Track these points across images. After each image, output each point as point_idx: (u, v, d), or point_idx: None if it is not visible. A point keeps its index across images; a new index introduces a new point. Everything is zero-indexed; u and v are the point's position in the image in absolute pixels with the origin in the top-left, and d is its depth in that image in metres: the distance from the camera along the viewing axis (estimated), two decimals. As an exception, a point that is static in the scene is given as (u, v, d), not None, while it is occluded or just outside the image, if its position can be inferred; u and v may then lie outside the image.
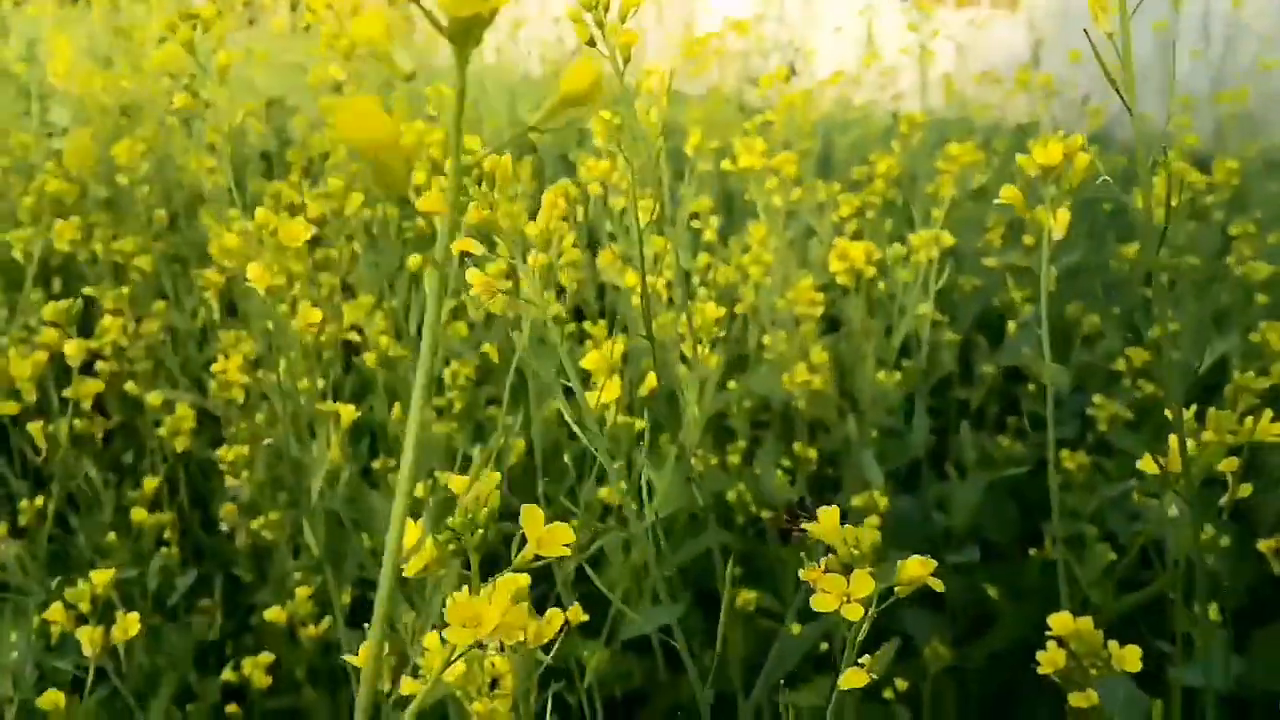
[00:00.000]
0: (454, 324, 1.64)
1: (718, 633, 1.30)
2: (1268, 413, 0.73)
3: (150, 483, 1.33)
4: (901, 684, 1.20)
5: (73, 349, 1.10)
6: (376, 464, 1.44)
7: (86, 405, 1.54)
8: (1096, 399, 1.47)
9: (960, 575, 1.40)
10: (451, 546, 0.49)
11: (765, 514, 0.89)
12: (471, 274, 0.73)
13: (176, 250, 2.35)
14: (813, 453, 1.40)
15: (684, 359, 1.11)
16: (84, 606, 0.79)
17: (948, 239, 1.32)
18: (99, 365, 1.70)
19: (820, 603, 0.56)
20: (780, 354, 1.51)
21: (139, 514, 1.27)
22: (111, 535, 1.31)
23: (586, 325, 1.49)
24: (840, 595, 0.56)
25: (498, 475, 0.51)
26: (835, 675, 1.32)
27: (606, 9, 0.85)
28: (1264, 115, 3.09)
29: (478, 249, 0.70)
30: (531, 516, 0.51)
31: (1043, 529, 1.47)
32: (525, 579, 0.51)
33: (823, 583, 0.56)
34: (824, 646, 1.29)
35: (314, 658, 1.25)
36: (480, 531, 0.49)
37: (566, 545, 0.50)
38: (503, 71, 4.04)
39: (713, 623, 1.42)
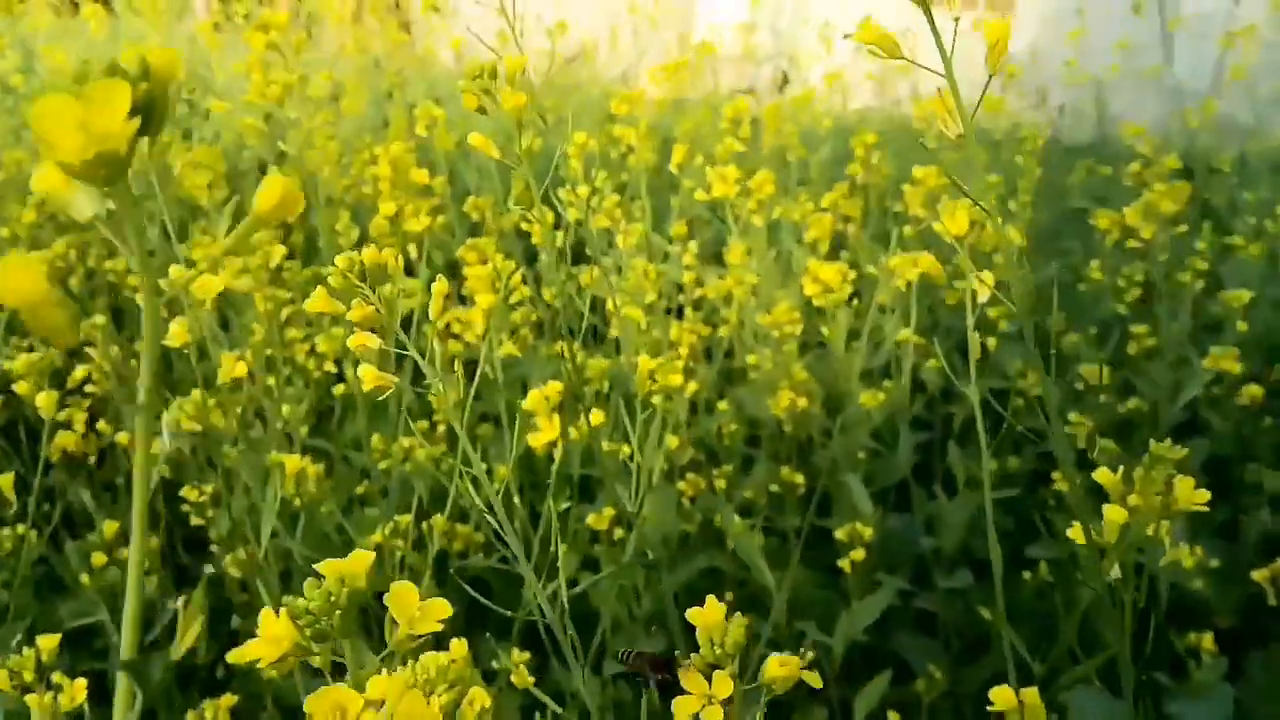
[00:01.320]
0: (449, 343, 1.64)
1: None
2: (1189, 481, 0.71)
3: (110, 526, 1.33)
4: (895, 717, 1.18)
5: (44, 400, 1.10)
6: (360, 489, 1.44)
7: (79, 429, 1.55)
8: (1073, 416, 1.45)
9: (953, 597, 1.39)
10: (310, 631, 0.46)
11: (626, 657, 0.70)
12: (363, 370, 0.72)
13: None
14: (799, 478, 1.39)
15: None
16: (27, 676, 0.78)
17: (926, 262, 1.30)
18: (89, 388, 1.70)
19: (681, 707, 0.54)
20: (766, 373, 1.50)
21: (99, 558, 1.27)
22: (85, 577, 1.30)
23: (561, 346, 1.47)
24: (702, 696, 0.54)
25: (371, 555, 0.48)
26: (828, 703, 1.31)
27: (494, 76, 0.84)
28: (1256, 118, 3.07)
29: (374, 342, 0.69)
30: (400, 596, 0.48)
31: (1038, 548, 1.45)
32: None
33: (686, 681, 0.54)
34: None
35: (287, 693, 1.24)
36: (341, 615, 0.45)
37: (441, 622, 0.47)
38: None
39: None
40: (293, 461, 1.04)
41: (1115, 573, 0.70)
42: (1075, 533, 0.72)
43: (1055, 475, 1.42)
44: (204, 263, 0.50)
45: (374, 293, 0.69)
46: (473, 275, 1.09)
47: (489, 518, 0.77)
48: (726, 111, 1.65)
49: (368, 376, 0.72)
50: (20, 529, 1.30)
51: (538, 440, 0.85)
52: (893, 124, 3.05)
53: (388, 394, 0.73)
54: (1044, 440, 1.62)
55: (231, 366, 1.07)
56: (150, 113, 0.36)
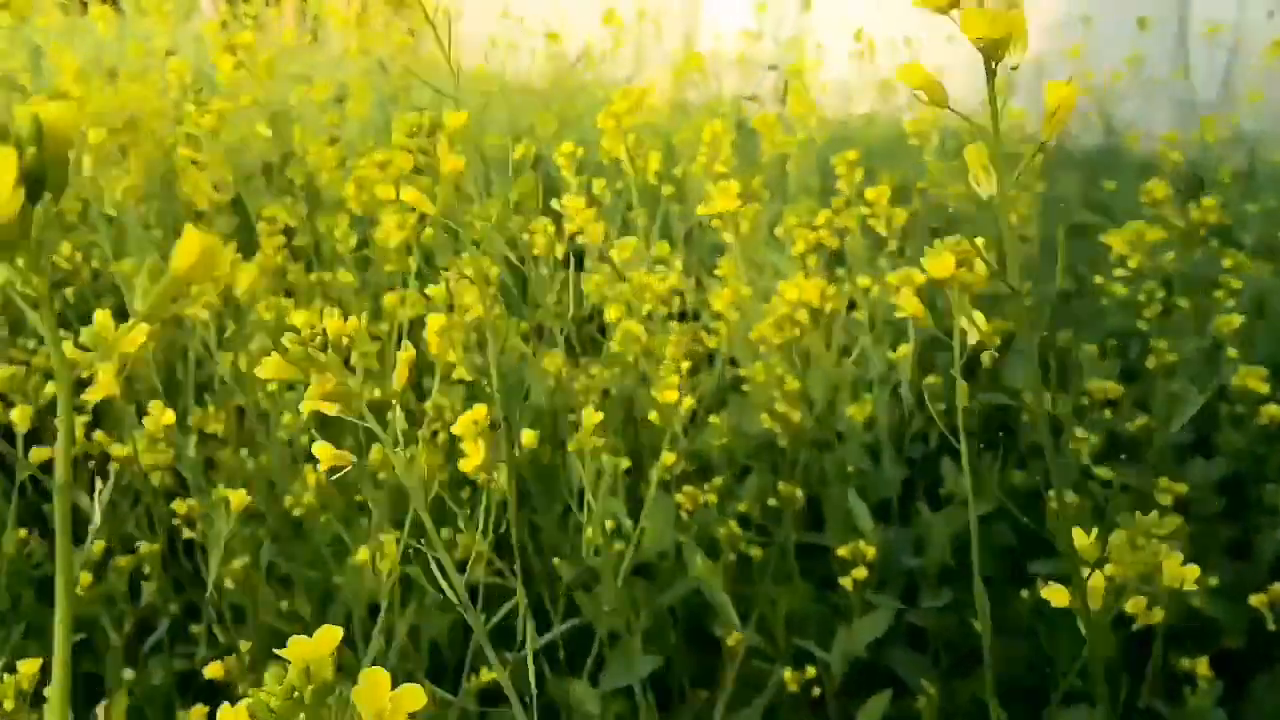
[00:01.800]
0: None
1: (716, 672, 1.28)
2: (1176, 558, 0.67)
3: (99, 545, 1.33)
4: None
5: (19, 415, 1.10)
6: (360, 496, 1.43)
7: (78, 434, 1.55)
8: (1078, 432, 1.44)
9: (946, 612, 1.38)
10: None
11: None
12: (318, 448, 0.70)
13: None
14: (799, 491, 1.37)
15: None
16: (8, 704, 0.77)
17: (912, 305, 1.28)
18: (90, 394, 1.70)
19: None
20: (756, 386, 1.49)
21: (85, 577, 1.27)
22: (79, 588, 1.30)
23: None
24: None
25: (338, 633, 0.44)
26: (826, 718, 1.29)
27: (432, 133, 0.81)
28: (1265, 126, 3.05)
29: (331, 409, 0.67)
30: (370, 688, 0.43)
31: (1037, 565, 1.44)
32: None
33: None
34: (816, 692, 1.27)
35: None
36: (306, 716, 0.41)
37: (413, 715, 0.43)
38: (505, 82, 4.03)
39: (704, 662, 1.41)
40: (238, 497, 1.03)
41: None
42: (1053, 593, 0.69)
43: (1050, 495, 1.40)
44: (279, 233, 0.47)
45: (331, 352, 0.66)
46: (436, 294, 1.08)
47: (450, 593, 0.75)
48: (704, 135, 1.63)
49: (324, 455, 0.69)
50: (22, 533, 1.31)
51: (467, 465, 0.83)
52: (897, 130, 3.03)
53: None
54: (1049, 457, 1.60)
55: (160, 414, 1.06)
56: (42, 179, 0.33)
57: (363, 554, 0.99)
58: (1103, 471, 1.33)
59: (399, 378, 0.70)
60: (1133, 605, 0.66)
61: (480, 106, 3.72)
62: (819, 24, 4.10)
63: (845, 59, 3.72)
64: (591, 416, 0.99)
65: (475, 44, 4.32)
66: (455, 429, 0.81)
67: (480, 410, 0.80)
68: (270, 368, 0.66)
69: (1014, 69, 0.59)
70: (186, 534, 1.39)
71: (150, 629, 1.45)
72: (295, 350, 0.65)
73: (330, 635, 0.45)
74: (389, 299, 1.51)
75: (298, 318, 0.67)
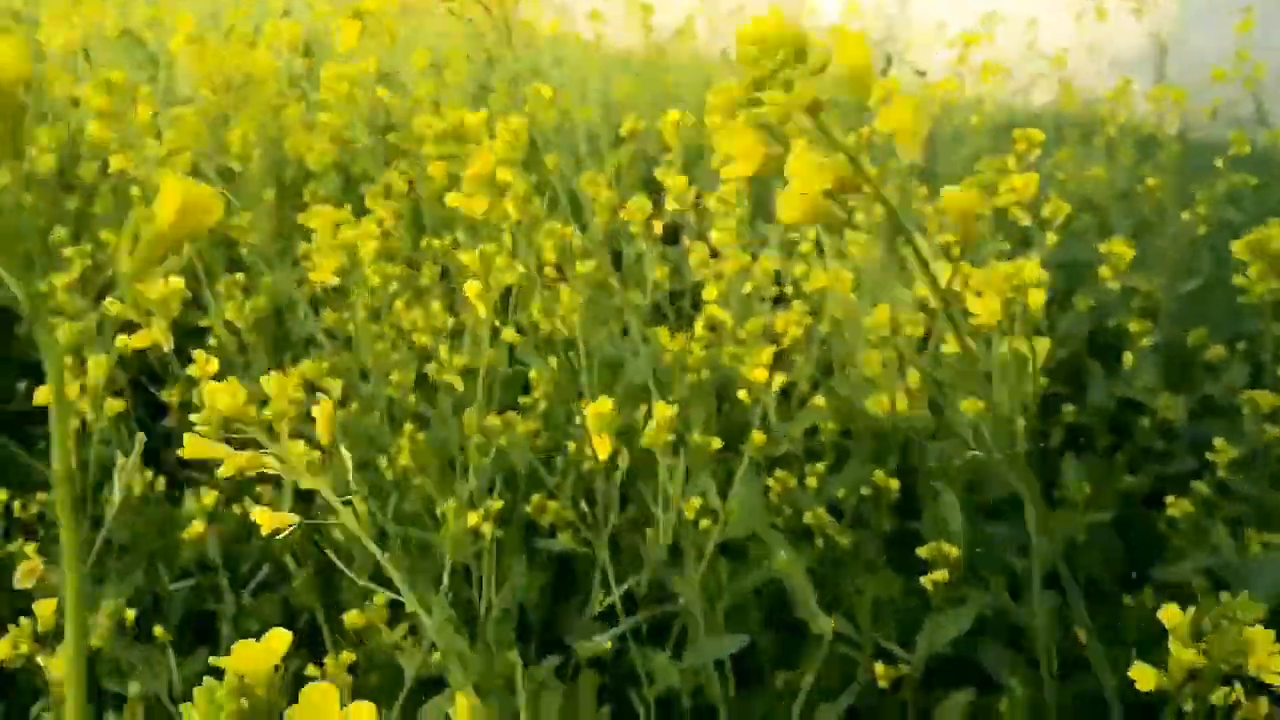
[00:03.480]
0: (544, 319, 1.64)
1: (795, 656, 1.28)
2: (1267, 638, 0.60)
3: (210, 495, 1.40)
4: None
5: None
6: (459, 460, 1.47)
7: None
8: (1218, 443, 1.36)
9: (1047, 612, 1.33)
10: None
11: None
12: (258, 514, 0.70)
13: (283, 226, 2.42)
14: (894, 483, 1.34)
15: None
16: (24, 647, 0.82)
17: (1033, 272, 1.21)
18: (208, 345, 1.79)
19: None
20: (875, 372, 1.45)
21: (196, 527, 1.33)
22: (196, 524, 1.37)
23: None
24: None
25: (283, 643, 0.40)
26: (906, 712, 1.27)
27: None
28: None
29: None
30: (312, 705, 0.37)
31: (1150, 571, 1.38)
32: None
33: None
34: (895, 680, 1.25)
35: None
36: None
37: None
38: (600, 49, 4.00)
39: (786, 643, 1.40)
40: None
41: (1188, 706, 0.62)
42: (1140, 673, 0.64)
43: (1171, 500, 1.34)
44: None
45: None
46: (467, 257, 1.09)
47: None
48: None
49: (263, 521, 0.70)
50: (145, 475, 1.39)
51: (601, 454, 0.85)
52: (1013, 115, 2.91)
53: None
54: (1166, 461, 1.53)
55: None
56: None
57: (452, 519, 1.01)
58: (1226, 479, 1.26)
59: (323, 430, 0.71)
60: (1219, 697, 0.61)
61: (577, 79, 3.72)
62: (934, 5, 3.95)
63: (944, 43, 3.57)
64: (663, 410, 0.99)
65: (573, 13, 4.31)
66: (586, 421, 0.83)
67: (605, 403, 0.82)
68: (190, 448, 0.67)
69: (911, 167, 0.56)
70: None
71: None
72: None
73: (279, 640, 0.40)
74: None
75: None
